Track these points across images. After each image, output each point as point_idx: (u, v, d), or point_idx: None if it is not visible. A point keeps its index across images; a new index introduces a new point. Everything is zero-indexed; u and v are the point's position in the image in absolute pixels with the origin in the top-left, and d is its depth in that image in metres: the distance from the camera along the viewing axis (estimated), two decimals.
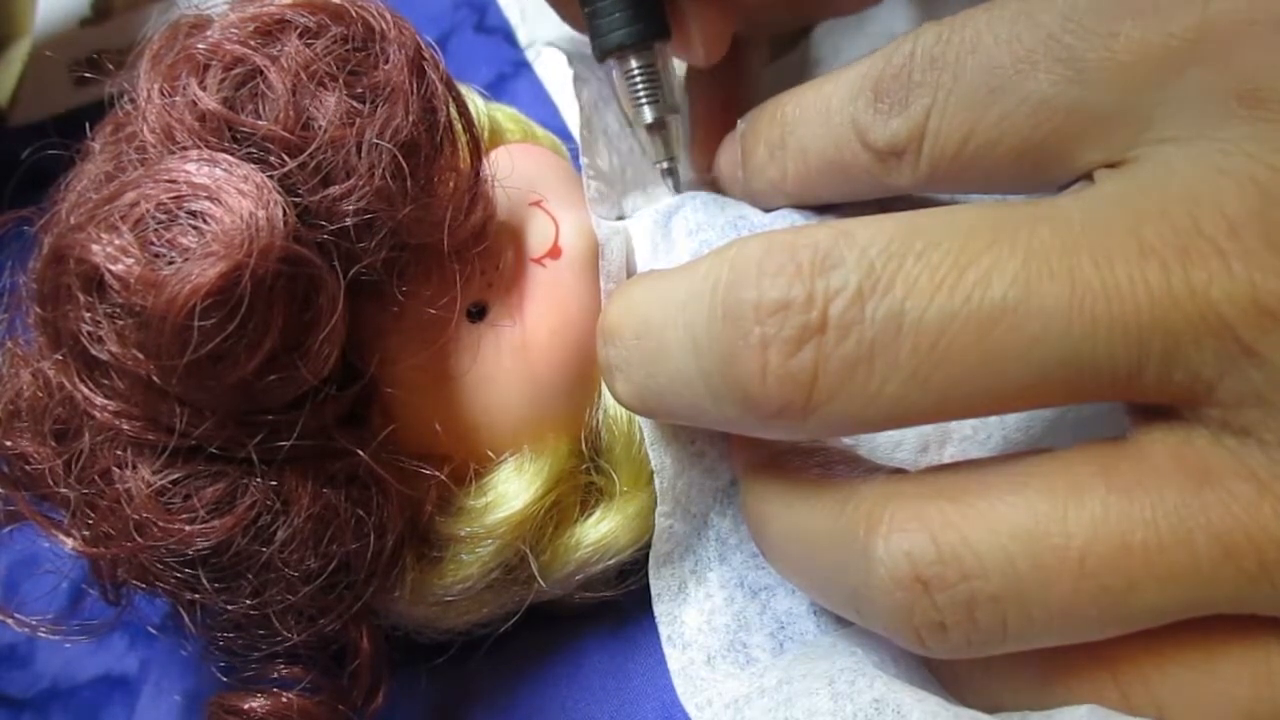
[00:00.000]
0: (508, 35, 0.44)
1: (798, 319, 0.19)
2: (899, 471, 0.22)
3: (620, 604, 0.28)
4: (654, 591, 0.26)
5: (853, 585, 0.20)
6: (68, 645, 0.30)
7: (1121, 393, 0.19)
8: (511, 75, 0.42)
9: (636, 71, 0.28)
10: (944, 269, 0.18)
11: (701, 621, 0.25)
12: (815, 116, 0.25)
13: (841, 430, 0.20)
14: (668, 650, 0.25)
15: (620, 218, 0.29)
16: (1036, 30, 0.20)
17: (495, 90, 0.41)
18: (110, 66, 0.25)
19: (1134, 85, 0.19)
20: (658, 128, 0.28)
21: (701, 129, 0.31)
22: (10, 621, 0.26)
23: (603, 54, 0.28)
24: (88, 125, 0.25)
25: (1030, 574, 0.18)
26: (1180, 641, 0.19)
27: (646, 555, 0.26)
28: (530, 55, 0.43)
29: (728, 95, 0.31)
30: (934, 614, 0.19)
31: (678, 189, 0.29)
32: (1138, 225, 0.18)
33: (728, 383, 0.20)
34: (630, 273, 0.27)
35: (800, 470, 0.22)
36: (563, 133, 0.32)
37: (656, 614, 0.26)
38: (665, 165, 0.29)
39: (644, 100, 0.28)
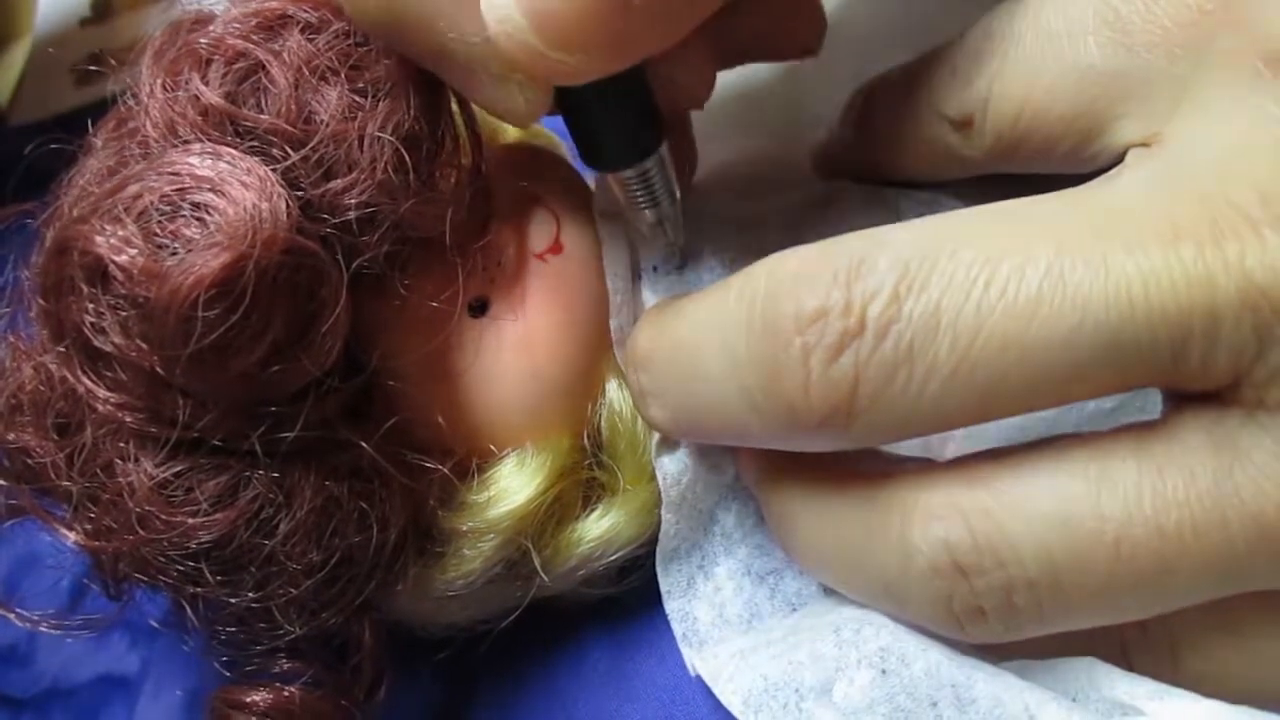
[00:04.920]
0: None
1: (837, 325, 0.19)
2: (926, 461, 0.21)
3: (622, 600, 0.28)
4: (663, 589, 0.25)
5: (889, 574, 0.20)
6: (69, 642, 0.30)
7: (1166, 378, 0.18)
8: None
9: (632, 179, 0.25)
10: (978, 265, 0.18)
11: (714, 615, 0.25)
12: (900, 94, 0.26)
13: (886, 437, 0.20)
14: (685, 650, 0.25)
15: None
16: None
17: None
18: (112, 62, 0.25)
19: (1171, 51, 0.19)
20: (658, 224, 0.26)
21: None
22: (12, 616, 0.26)
23: (592, 166, 0.25)
24: (90, 123, 0.25)
25: (1066, 560, 0.18)
26: None
27: (648, 552, 0.26)
28: None
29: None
30: (973, 600, 0.19)
31: (682, 267, 0.27)
32: (1169, 206, 0.18)
33: (771, 398, 0.20)
34: (633, 268, 0.27)
35: (820, 467, 0.22)
36: (562, 132, 0.32)
37: (668, 611, 0.25)
38: (668, 251, 0.27)
39: (643, 205, 0.25)
